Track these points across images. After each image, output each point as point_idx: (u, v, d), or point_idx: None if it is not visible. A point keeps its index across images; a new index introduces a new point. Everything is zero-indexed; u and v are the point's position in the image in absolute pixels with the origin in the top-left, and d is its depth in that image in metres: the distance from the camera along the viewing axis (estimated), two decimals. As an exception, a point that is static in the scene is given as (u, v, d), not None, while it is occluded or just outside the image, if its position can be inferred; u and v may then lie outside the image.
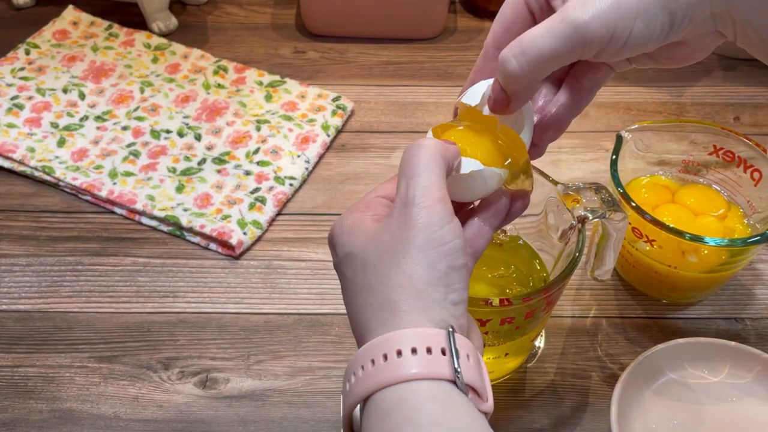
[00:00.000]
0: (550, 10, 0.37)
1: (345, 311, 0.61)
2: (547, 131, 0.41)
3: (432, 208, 0.35)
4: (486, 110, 0.39)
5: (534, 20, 0.39)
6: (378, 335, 0.34)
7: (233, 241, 0.63)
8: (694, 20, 0.35)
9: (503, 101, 0.38)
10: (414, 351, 0.33)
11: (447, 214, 0.35)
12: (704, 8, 0.35)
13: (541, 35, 0.35)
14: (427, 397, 0.32)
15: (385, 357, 0.33)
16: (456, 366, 0.33)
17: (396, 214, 0.35)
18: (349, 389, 0.35)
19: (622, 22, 0.34)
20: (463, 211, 0.41)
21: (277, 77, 0.79)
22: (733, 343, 0.55)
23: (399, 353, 0.33)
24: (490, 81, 0.39)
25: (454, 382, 0.33)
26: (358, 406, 0.34)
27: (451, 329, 0.34)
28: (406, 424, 0.32)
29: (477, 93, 0.40)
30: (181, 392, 0.55)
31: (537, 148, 0.42)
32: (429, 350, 0.33)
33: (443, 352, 0.33)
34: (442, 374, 0.33)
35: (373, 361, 0.34)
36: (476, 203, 0.41)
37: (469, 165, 0.38)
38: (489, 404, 0.35)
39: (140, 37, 0.82)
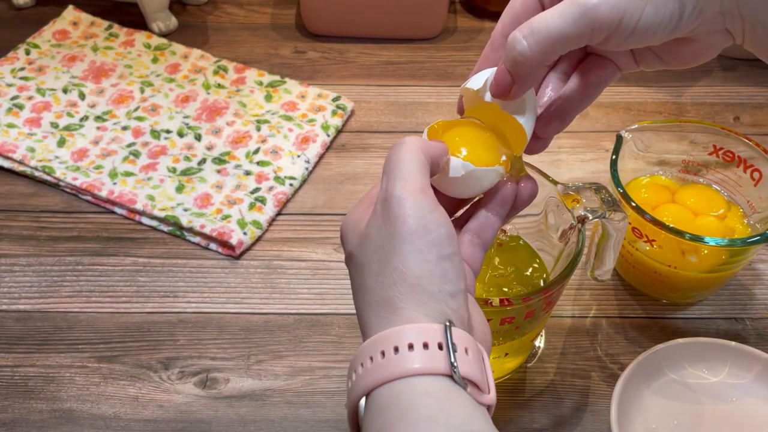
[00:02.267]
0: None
1: (345, 311, 0.61)
2: (551, 122, 0.41)
3: (411, 200, 0.34)
4: (488, 96, 0.39)
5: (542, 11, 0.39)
6: (376, 333, 0.34)
7: (233, 241, 0.63)
8: (704, 14, 0.35)
9: (506, 85, 0.37)
10: (411, 347, 0.33)
11: (428, 203, 0.35)
12: (714, 3, 0.35)
13: (551, 16, 0.35)
14: (423, 392, 0.32)
15: (383, 354, 0.33)
16: (452, 360, 0.33)
17: (379, 210, 0.35)
18: (351, 386, 0.35)
19: (632, 6, 0.34)
20: (470, 203, 0.42)
21: (277, 77, 0.79)
22: (733, 343, 0.55)
23: (396, 350, 0.33)
24: (494, 69, 0.39)
25: (451, 377, 0.33)
26: (362, 402, 0.34)
27: (448, 323, 0.33)
28: (401, 420, 0.32)
29: (480, 79, 0.40)
30: (181, 392, 0.55)
31: (541, 141, 0.42)
32: (426, 345, 0.33)
33: (440, 347, 0.33)
34: (438, 369, 0.33)
35: (371, 359, 0.34)
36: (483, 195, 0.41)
37: (461, 166, 0.38)
38: (490, 396, 0.34)
39: (140, 37, 0.82)
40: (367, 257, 0.36)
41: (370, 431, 0.33)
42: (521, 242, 0.55)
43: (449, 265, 0.34)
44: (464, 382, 0.33)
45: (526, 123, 0.39)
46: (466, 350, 0.33)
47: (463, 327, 0.35)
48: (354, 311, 0.60)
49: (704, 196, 0.61)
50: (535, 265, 0.55)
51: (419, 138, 0.38)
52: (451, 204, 0.41)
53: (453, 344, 0.33)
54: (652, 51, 0.40)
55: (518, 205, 0.41)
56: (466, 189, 0.40)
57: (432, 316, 0.34)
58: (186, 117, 0.74)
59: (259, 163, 0.70)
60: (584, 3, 0.34)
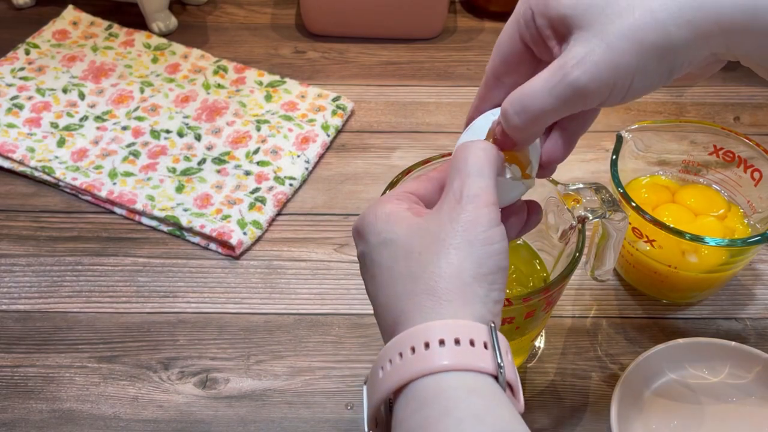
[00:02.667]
0: (545, 45, 0.37)
1: (345, 311, 0.61)
2: (557, 152, 0.41)
3: (484, 209, 0.35)
4: None
5: (530, 52, 0.39)
6: (417, 323, 0.34)
7: (233, 241, 0.63)
8: (694, 62, 0.35)
9: (509, 143, 0.38)
10: (457, 342, 0.33)
11: (496, 217, 0.35)
12: (702, 51, 0.34)
13: (541, 93, 0.35)
14: (469, 389, 0.32)
15: (427, 345, 0.33)
16: (500, 361, 0.33)
17: (447, 208, 0.36)
18: (383, 376, 0.34)
19: (621, 80, 0.34)
20: None
21: (277, 77, 0.79)
22: (733, 343, 0.55)
23: (441, 342, 0.33)
24: (493, 113, 0.39)
25: (495, 378, 0.33)
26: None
27: (492, 324, 0.34)
28: (446, 416, 0.31)
29: (481, 129, 0.40)
30: (181, 392, 0.55)
31: (550, 168, 0.42)
32: (472, 342, 0.33)
33: (485, 346, 0.33)
34: (484, 368, 0.33)
35: (413, 349, 0.33)
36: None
37: (509, 171, 0.39)
38: (521, 404, 0.34)
39: (140, 37, 0.82)
40: (421, 246, 0.35)
41: (408, 424, 0.33)
42: (521, 242, 0.55)
43: (501, 276, 0.35)
44: (506, 386, 0.33)
45: (533, 160, 0.40)
46: (507, 353, 0.34)
47: None
48: (354, 312, 0.61)
49: (704, 196, 0.61)
50: (535, 265, 0.55)
51: (492, 145, 0.38)
52: None
53: (499, 345, 0.33)
54: None
55: (525, 229, 0.42)
56: (504, 197, 0.40)
57: (475, 316, 0.34)
58: (186, 117, 0.74)
59: (259, 163, 0.70)
60: (573, 83, 0.34)
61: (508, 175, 0.39)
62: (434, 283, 0.34)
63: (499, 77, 0.40)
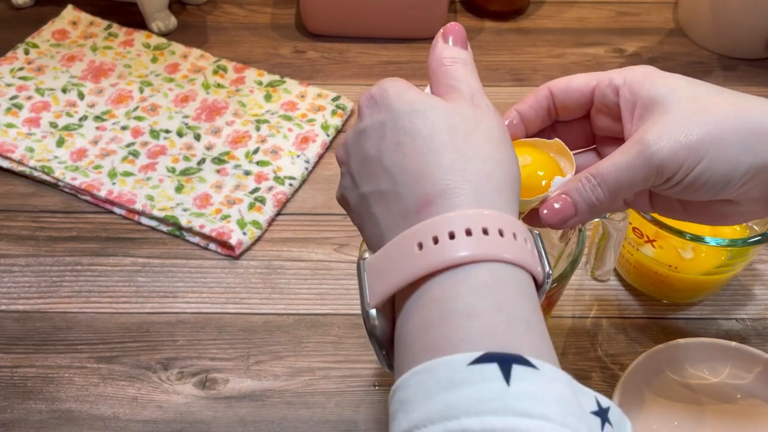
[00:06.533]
0: (611, 114, 0.42)
1: (345, 311, 0.61)
2: None
3: (502, 124, 0.36)
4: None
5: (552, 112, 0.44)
6: (466, 204, 0.32)
7: (233, 241, 0.63)
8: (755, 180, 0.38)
9: (569, 217, 0.40)
10: (468, 232, 0.31)
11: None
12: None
13: (619, 169, 0.38)
14: (476, 284, 0.31)
15: (485, 231, 0.32)
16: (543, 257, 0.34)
17: (469, 103, 0.36)
18: (417, 256, 0.32)
19: (690, 161, 0.38)
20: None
21: (276, 77, 0.78)
22: (734, 343, 0.55)
23: (452, 235, 0.31)
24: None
25: (503, 262, 0.31)
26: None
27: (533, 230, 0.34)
28: (445, 313, 0.30)
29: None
30: (181, 393, 0.55)
31: None
32: (485, 231, 0.31)
33: (501, 233, 0.32)
34: (496, 256, 0.31)
35: (420, 245, 0.32)
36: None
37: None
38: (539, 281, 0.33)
39: (139, 36, 0.82)
40: (465, 129, 0.34)
41: (413, 321, 0.31)
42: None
43: (518, 187, 0.35)
44: (516, 268, 0.32)
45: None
46: (525, 240, 0.33)
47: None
48: (354, 312, 0.61)
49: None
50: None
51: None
52: None
53: (513, 233, 0.32)
54: (679, 200, 0.42)
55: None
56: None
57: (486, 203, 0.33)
58: (185, 117, 0.74)
59: (259, 163, 0.70)
60: (651, 158, 0.38)
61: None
62: (483, 166, 0.33)
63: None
